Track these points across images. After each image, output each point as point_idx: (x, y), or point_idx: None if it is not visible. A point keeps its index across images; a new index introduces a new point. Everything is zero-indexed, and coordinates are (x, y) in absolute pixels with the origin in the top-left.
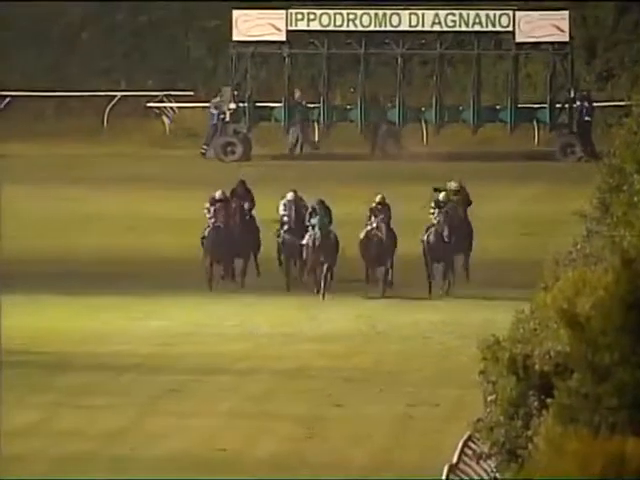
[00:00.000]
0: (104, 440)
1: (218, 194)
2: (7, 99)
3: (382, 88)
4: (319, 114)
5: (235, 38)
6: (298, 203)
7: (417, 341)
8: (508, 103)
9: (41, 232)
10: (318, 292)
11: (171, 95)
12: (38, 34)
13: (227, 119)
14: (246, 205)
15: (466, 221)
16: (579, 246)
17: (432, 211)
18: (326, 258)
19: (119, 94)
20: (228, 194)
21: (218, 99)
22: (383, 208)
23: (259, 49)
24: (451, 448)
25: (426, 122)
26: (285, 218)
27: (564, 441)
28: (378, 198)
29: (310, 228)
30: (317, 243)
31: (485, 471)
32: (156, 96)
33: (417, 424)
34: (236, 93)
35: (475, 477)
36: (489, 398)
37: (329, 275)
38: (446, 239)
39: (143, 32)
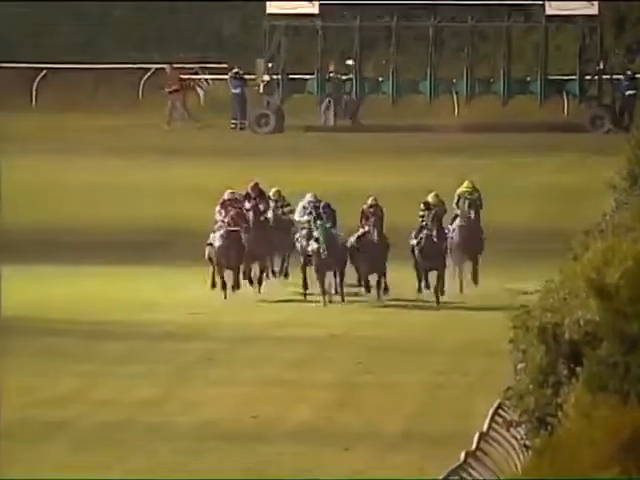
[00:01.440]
0: (141, 408)
1: (227, 195)
2: (45, 71)
3: (414, 60)
4: (351, 86)
5: (269, 11)
6: (317, 206)
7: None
8: (538, 75)
9: (77, 202)
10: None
11: (205, 67)
12: (74, 9)
13: (261, 91)
14: (261, 207)
15: (477, 227)
16: (608, 216)
17: (421, 213)
18: (335, 265)
19: (154, 67)
20: (243, 193)
21: (236, 70)
22: (375, 210)
23: (292, 22)
24: (482, 416)
25: (457, 94)
26: (304, 223)
27: (593, 409)
28: (370, 200)
29: (313, 241)
30: (323, 255)
31: (515, 438)
32: (191, 68)
33: (447, 392)
34: (269, 66)
35: (506, 445)
36: (519, 366)
37: (339, 281)
38: (435, 239)
39: (177, 6)
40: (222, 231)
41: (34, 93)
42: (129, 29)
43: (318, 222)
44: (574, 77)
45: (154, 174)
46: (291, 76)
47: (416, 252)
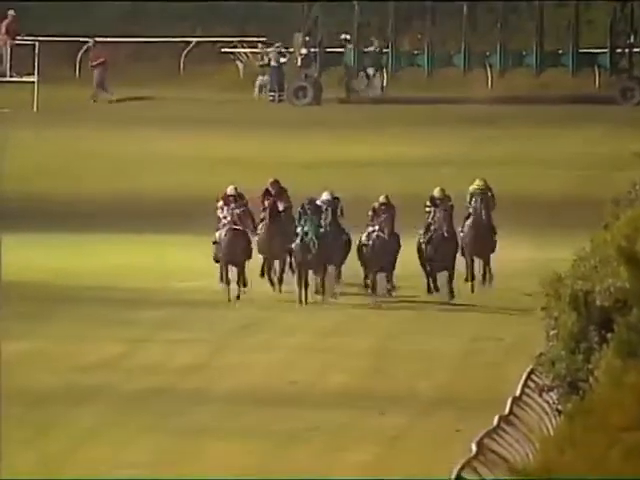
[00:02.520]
0: (180, 373)
1: (230, 190)
2: (88, 44)
3: (448, 34)
4: (387, 59)
5: None
6: (334, 205)
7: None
8: (570, 48)
9: (117, 172)
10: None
11: (244, 41)
12: None
13: (299, 64)
14: (280, 205)
15: (489, 225)
16: (638, 186)
17: (427, 209)
18: (329, 258)
19: (194, 40)
20: (266, 187)
21: (275, 48)
22: (387, 209)
23: None
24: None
25: (491, 67)
26: (321, 221)
27: (623, 374)
28: (382, 198)
29: (302, 235)
30: (313, 250)
31: (547, 403)
32: (230, 42)
33: (481, 358)
34: (307, 39)
35: (538, 410)
36: (551, 333)
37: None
38: (446, 234)
39: None
40: (226, 229)
41: (78, 65)
42: (170, 3)
43: (303, 218)
44: (605, 50)
45: (192, 145)
46: (328, 49)
47: (424, 251)
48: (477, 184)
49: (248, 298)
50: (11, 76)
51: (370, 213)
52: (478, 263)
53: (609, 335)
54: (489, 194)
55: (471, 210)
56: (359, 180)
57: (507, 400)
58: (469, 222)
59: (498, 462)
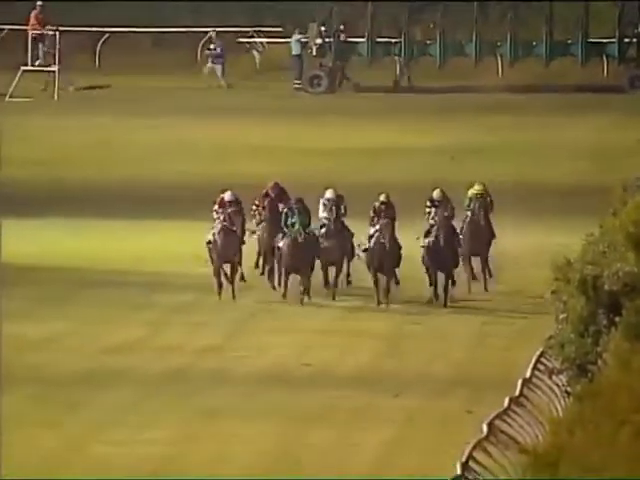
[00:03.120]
0: (201, 355)
1: (228, 196)
2: (107, 34)
3: (460, 24)
4: (400, 49)
5: None
6: (338, 203)
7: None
8: (579, 38)
9: (135, 160)
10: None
11: (261, 31)
12: None
13: (314, 53)
14: (280, 207)
15: (487, 227)
16: None
17: (428, 210)
18: (307, 260)
19: (212, 30)
20: (267, 191)
21: (298, 35)
22: (387, 208)
23: None
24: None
25: (501, 56)
26: (324, 220)
27: (631, 357)
28: (382, 197)
29: (290, 226)
30: (300, 240)
31: (556, 385)
32: (247, 32)
33: (492, 341)
34: (322, 29)
35: (548, 392)
36: (560, 316)
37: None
38: (442, 244)
39: None
40: (219, 229)
41: (97, 55)
42: None
43: (290, 219)
44: (613, 40)
45: (210, 133)
46: (342, 39)
47: (426, 255)
48: (476, 189)
49: (262, 286)
50: (33, 65)
51: (371, 213)
52: (477, 265)
53: (617, 318)
54: (488, 199)
55: (469, 213)
56: (372, 167)
57: (517, 382)
58: (467, 225)
59: (509, 443)
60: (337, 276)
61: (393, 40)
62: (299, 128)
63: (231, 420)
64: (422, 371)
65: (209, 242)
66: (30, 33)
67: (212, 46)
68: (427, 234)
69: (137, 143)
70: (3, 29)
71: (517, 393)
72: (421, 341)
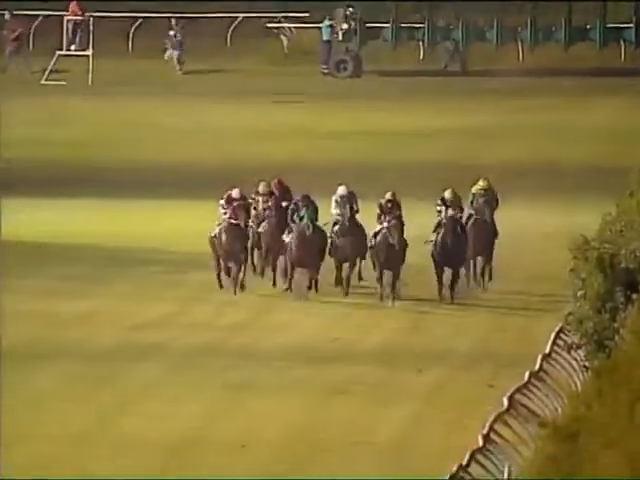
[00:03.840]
0: (230, 332)
1: (235, 193)
2: (139, 20)
3: (481, 10)
4: (423, 34)
5: None
6: (351, 200)
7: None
8: (597, 24)
9: (170, 142)
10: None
11: (289, 17)
12: None
13: (340, 38)
14: (284, 204)
15: (491, 225)
16: None
17: (438, 209)
18: (315, 254)
19: (241, 15)
20: (270, 188)
21: (329, 22)
22: (393, 206)
23: None
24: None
25: (522, 41)
26: (337, 217)
27: None
28: (388, 195)
29: (298, 221)
30: (307, 234)
31: (575, 360)
32: (275, 17)
33: (512, 316)
34: (348, 14)
35: (567, 366)
36: (579, 294)
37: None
38: (449, 243)
39: None
40: (225, 224)
41: (131, 40)
42: None
43: (296, 215)
44: (631, 25)
45: (238, 116)
46: (368, 24)
47: (433, 251)
48: (480, 185)
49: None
50: (68, 50)
51: (377, 211)
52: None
53: (634, 295)
54: (492, 195)
55: (473, 211)
56: (399, 148)
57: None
58: (471, 226)
59: (529, 416)
60: (350, 273)
61: (417, 25)
62: (325, 111)
63: (259, 394)
64: (445, 346)
65: (214, 236)
66: (66, 19)
67: (171, 32)
68: (436, 230)
69: (168, 125)
70: (39, 15)
71: (537, 368)
72: (443, 318)
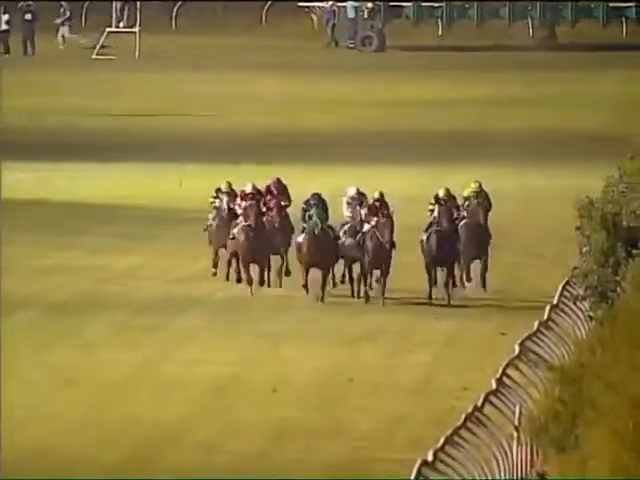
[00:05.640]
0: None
1: (249, 188)
2: (180, 2)
3: None
4: (442, 12)
5: None
6: (362, 200)
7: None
8: (601, 3)
9: (211, 110)
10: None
11: None
12: None
13: (365, 16)
14: (283, 202)
15: (485, 227)
16: None
17: (431, 207)
18: (325, 253)
19: None
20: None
21: (353, 2)
22: (382, 205)
23: None
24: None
25: (532, 19)
26: (347, 218)
27: None
28: (376, 194)
29: (308, 220)
30: (317, 233)
31: (581, 310)
32: None
33: (523, 271)
34: None
35: (573, 316)
36: (584, 249)
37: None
38: (445, 241)
39: None
40: (241, 227)
41: (174, 18)
42: None
43: (307, 213)
44: (631, 4)
45: (271, 86)
46: (391, 3)
47: (425, 249)
48: (472, 187)
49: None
50: (117, 27)
51: (365, 210)
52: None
53: (634, 251)
54: (484, 196)
55: (466, 214)
56: (421, 116)
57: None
58: (464, 229)
59: (538, 361)
60: (361, 274)
61: (436, 5)
62: (352, 83)
63: (291, 343)
64: (459, 297)
65: (232, 237)
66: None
67: (62, 10)
68: (428, 229)
69: (210, 96)
70: None
71: (545, 317)
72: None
